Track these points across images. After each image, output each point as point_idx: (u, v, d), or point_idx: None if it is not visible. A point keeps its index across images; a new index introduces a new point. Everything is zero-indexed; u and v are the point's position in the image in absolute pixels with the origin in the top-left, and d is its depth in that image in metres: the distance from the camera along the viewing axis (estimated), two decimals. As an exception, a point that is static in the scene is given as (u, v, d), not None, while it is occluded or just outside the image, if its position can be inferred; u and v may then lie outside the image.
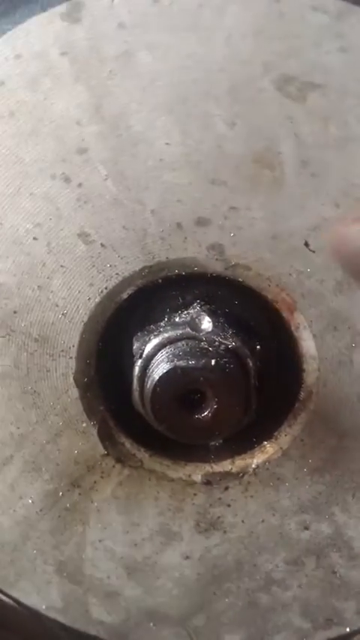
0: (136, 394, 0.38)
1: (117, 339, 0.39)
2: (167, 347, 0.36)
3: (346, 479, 0.40)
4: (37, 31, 0.33)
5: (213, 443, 0.40)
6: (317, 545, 0.41)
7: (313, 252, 0.35)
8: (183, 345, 0.36)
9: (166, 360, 0.36)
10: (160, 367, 0.36)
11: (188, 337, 0.36)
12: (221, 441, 0.40)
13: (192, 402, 0.36)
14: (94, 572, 0.43)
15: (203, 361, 0.35)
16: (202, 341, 0.36)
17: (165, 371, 0.35)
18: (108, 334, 0.39)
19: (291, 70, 0.32)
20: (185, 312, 0.38)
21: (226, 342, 0.36)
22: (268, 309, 0.38)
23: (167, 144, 0.34)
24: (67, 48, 0.33)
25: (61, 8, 0.32)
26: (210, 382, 0.35)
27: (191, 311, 0.38)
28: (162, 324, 0.38)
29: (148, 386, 0.36)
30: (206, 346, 0.36)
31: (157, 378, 0.35)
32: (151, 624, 0.44)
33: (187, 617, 0.44)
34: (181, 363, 0.35)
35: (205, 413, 0.35)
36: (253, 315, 0.39)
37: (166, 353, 0.36)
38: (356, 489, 0.40)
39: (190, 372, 0.35)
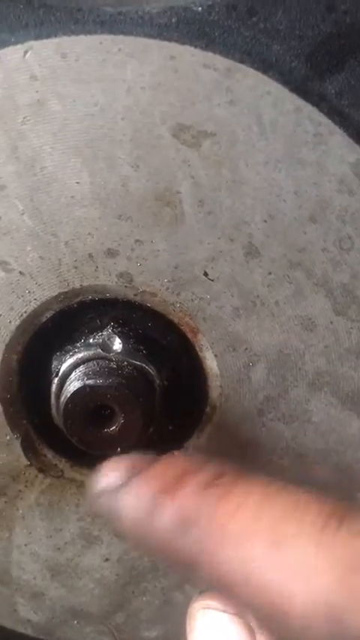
0: (53, 409, 0.41)
1: (38, 359, 0.42)
2: (80, 366, 0.40)
3: (248, 485, 0.43)
4: None
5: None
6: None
7: (212, 280, 0.39)
8: (94, 364, 0.39)
9: (78, 378, 0.39)
10: (72, 385, 0.39)
11: (99, 357, 0.40)
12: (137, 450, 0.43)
13: (102, 417, 0.40)
14: (21, 574, 0.47)
15: (110, 380, 0.38)
16: (112, 361, 0.39)
17: (76, 389, 0.38)
18: (29, 354, 0.42)
19: (186, 120, 0.36)
20: (99, 333, 0.41)
21: (134, 362, 0.40)
22: (176, 332, 0.41)
23: (78, 183, 0.38)
24: (-16, 96, 0.36)
25: (-23, 61, 0.36)
26: (116, 399, 0.38)
27: (104, 333, 0.41)
28: (78, 344, 0.41)
29: (61, 402, 0.39)
30: (115, 366, 0.39)
31: (69, 395, 0.39)
32: (75, 622, 0.48)
33: (108, 615, 0.47)
34: (90, 381, 0.38)
35: (113, 427, 0.39)
36: (164, 336, 0.42)
37: (79, 372, 0.39)
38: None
39: (98, 390, 0.38)
